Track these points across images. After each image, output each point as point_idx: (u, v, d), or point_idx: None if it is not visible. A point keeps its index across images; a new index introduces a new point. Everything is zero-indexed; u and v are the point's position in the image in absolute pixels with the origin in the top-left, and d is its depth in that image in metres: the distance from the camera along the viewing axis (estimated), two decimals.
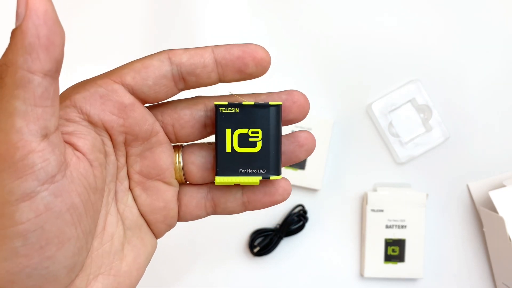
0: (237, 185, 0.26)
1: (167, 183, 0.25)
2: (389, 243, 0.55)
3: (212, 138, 0.26)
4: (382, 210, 0.55)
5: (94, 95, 0.22)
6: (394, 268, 0.56)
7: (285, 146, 0.25)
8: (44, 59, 0.18)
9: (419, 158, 0.57)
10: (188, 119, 0.24)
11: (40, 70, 0.18)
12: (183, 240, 0.57)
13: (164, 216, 0.25)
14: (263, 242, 0.56)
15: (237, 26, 0.58)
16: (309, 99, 0.25)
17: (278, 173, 0.25)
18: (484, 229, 0.56)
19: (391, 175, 0.58)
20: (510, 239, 0.50)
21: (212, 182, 0.26)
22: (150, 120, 0.24)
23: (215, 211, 0.26)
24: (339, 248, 0.58)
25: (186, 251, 0.57)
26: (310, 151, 0.26)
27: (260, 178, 0.25)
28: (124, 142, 0.24)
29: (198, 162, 0.25)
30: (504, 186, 0.54)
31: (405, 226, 0.55)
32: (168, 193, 0.25)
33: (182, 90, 0.24)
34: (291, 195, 0.57)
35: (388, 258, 0.56)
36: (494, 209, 0.52)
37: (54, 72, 0.18)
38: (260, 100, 0.25)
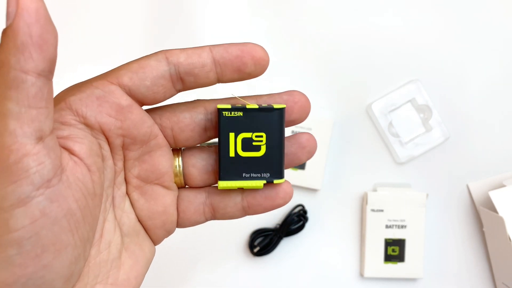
0: (237, 190, 0.25)
1: (166, 187, 0.25)
2: (389, 243, 0.55)
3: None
4: (382, 210, 0.55)
5: (90, 97, 0.21)
6: (394, 268, 0.56)
7: (287, 148, 0.25)
8: (37, 59, 0.17)
9: (419, 158, 0.57)
10: (187, 122, 0.24)
11: (33, 70, 0.17)
12: (183, 240, 0.57)
13: (163, 221, 0.25)
14: (263, 242, 0.56)
15: (237, 26, 0.58)
16: (309, 99, 0.25)
17: (281, 176, 0.25)
18: (484, 229, 0.56)
19: (391, 175, 0.58)
20: (510, 239, 0.50)
21: (211, 187, 0.25)
22: (149, 123, 0.23)
23: (214, 217, 0.26)
24: (339, 248, 0.58)
25: (186, 251, 0.57)
26: (312, 153, 0.25)
27: (264, 182, 0.24)
28: (122, 145, 0.23)
29: (198, 165, 0.25)
30: (504, 186, 0.54)
31: (405, 226, 0.55)
32: (167, 198, 0.25)
33: (180, 91, 0.23)
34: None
35: (388, 258, 0.56)
36: (494, 209, 0.52)
37: (48, 72, 0.18)
38: (262, 102, 0.25)
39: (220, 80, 0.23)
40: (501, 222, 0.50)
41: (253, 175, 0.24)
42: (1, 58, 0.17)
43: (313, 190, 0.57)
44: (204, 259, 0.58)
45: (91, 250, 0.22)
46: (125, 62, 0.23)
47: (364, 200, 0.57)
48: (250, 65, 0.23)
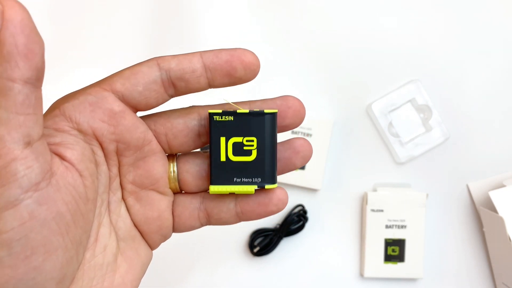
0: (230, 195, 0.25)
1: (161, 193, 0.25)
2: (389, 243, 0.56)
3: (206, 148, 0.25)
4: (382, 210, 0.55)
5: (84, 103, 0.22)
6: (394, 268, 0.56)
7: (280, 153, 0.25)
8: (23, 67, 0.18)
9: (419, 158, 0.57)
10: (181, 128, 0.24)
11: (20, 78, 0.18)
12: (183, 240, 0.57)
13: (158, 226, 0.25)
14: (263, 242, 0.56)
15: (237, 26, 0.58)
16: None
17: (273, 181, 0.25)
18: (484, 229, 0.56)
19: (391, 175, 0.58)
20: (510, 239, 0.50)
21: (206, 192, 0.26)
22: (142, 128, 0.23)
23: (209, 222, 0.26)
24: (339, 248, 0.58)
25: (186, 251, 0.58)
26: (306, 158, 0.25)
27: (255, 187, 0.24)
28: (116, 151, 0.23)
29: (193, 171, 0.25)
30: (504, 186, 0.54)
31: (405, 226, 0.55)
32: (162, 203, 0.25)
33: (172, 96, 0.24)
34: (291, 195, 0.57)
35: (388, 258, 0.56)
36: (494, 209, 0.52)
37: (35, 80, 0.18)
38: (255, 107, 0.25)
39: (211, 85, 0.24)
40: (501, 222, 0.50)
41: (244, 179, 0.24)
42: None
43: (313, 190, 0.57)
44: (204, 259, 0.58)
45: (86, 254, 0.22)
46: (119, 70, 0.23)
47: (364, 200, 0.57)
48: (240, 70, 0.23)
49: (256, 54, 0.24)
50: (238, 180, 0.24)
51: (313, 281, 0.57)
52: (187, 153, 0.26)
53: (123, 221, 0.24)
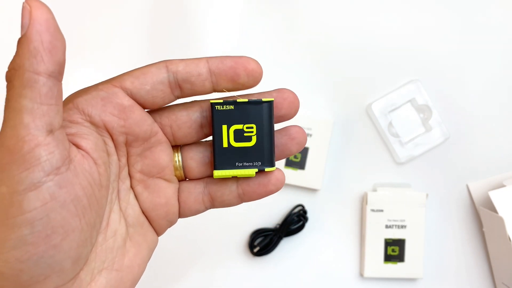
0: (232, 179, 0.27)
1: (167, 180, 0.26)
2: (389, 243, 0.56)
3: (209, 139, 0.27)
4: (382, 210, 0.55)
5: (96, 98, 0.24)
6: (394, 268, 0.56)
7: (277, 140, 0.27)
8: (48, 61, 0.20)
9: (419, 158, 0.57)
10: (185, 119, 0.26)
11: (44, 71, 0.20)
12: (183, 240, 0.57)
13: (165, 212, 0.27)
14: (263, 242, 0.56)
15: (237, 26, 0.58)
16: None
17: (272, 165, 0.26)
18: (484, 229, 0.56)
19: (391, 175, 0.58)
20: (510, 239, 0.50)
21: (208, 177, 0.27)
22: (149, 121, 0.25)
23: (213, 205, 0.27)
24: (339, 248, 0.58)
25: (186, 251, 0.58)
26: (301, 145, 0.27)
27: (256, 170, 0.26)
28: (125, 142, 0.25)
29: (197, 158, 0.27)
30: (504, 186, 0.54)
31: (405, 226, 0.55)
32: (168, 190, 0.26)
33: (178, 97, 0.25)
34: (291, 195, 0.57)
35: (388, 258, 0.56)
36: (494, 209, 0.52)
37: (58, 74, 0.20)
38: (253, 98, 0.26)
39: (215, 89, 0.25)
40: (501, 222, 0.50)
41: (245, 164, 0.26)
42: (17, 62, 0.20)
43: (313, 190, 0.57)
44: (204, 259, 0.58)
45: (98, 237, 0.24)
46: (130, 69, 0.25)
47: (364, 200, 0.57)
48: (243, 76, 0.25)
49: (259, 62, 0.25)
50: (240, 164, 0.26)
51: (313, 281, 0.57)
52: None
53: (132, 208, 0.26)
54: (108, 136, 0.24)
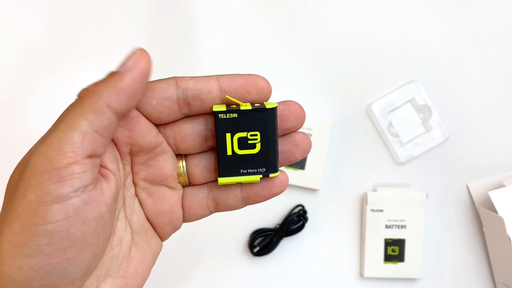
0: (236, 183, 0.27)
1: (171, 188, 0.27)
2: (388, 243, 0.56)
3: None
4: (382, 210, 0.55)
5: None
6: (394, 268, 0.56)
7: (282, 146, 0.27)
8: (123, 103, 0.22)
9: (419, 158, 0.57)
10: (189, 132, 0.26)
11: (115, 108, 0.21)
12: (183, 240, 0.57)
13: (169, 218, 0.27)
14: (263, 242, 0.56)
15: (238, 26, 0.58)
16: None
17: (276, 170, 0.26)
18: (483, 229, 0.56)
19: (391, 175, 0.58)
20: (509, 239, 0.50)
21: (212, 182, 0.27)
22: (154, 132, 0.25)
23: (217, 209, 0.27)
24: (339, 248, 0.58)
25: (186, 251, 0.58)
26: (306, 151, 0.27)
27: (261, 176, 0.26)
28: (129, 152, 0.25)
29: (201, 165, 0.27)
30: (504, 186, 0.54)
31: (405, 226, 0.55)
32: (172, 197, 0.27)
33: (186, 115, 0.25)
34: (291, 195, 0.57)
35: (388, 258, 0.56)
36: (493, 209, 0.52)
37: (123, 115, 0.22)
38: None
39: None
40: (501, 222, 0.50)
41: (250, 170, 0.26)
42: (98, 89, 0.21)
43: (313, 190, 0.57)
44: (204, 259, 0.58)
45: None
46: None
47: (364, 200, 0.57)
48: (253, 94, 0.25)
49: (267, 79, 0.26)
50: (244, 171, 0.26)
51: (313, 281, 0.57)
52: None
53: (137, 215, 0.26)
54: (113, 146, 0.25)
